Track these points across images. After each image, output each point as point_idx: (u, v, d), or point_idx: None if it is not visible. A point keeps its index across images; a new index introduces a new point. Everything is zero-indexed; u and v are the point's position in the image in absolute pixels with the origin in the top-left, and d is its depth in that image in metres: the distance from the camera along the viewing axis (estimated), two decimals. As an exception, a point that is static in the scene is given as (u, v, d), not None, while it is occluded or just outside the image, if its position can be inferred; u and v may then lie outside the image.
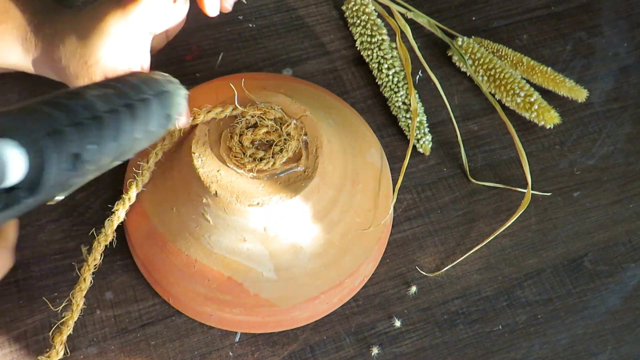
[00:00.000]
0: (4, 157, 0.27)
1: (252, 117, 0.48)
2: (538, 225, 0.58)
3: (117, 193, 0.55)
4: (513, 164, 0.60)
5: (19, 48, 0.46)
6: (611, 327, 0.54)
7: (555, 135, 0.62)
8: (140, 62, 0.45)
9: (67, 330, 0.47)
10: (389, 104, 0.61)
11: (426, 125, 0.59)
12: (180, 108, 0.40)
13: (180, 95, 0.40)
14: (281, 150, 0.47)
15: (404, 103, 0.60)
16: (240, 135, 0.48)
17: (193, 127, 0.48)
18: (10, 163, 0.27)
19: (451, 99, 0.62)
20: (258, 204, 0.45)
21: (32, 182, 0.28)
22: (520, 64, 0.62)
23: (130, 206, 0.49)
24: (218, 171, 0.46)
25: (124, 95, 0.35)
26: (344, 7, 0.65)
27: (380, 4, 0.65)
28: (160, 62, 0.53)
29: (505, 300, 0.54)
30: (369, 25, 0.62)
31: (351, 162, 0.51)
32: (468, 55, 0.63)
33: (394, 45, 0.62)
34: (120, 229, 0.54)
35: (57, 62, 0.45)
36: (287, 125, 0.48)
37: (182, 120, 0.45)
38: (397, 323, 0.53)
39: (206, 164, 0.46)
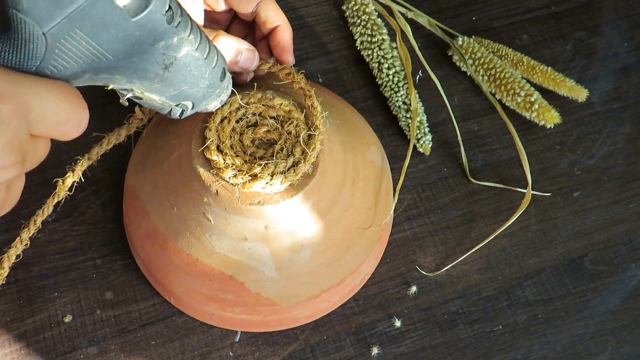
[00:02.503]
0: None
1: (253, 115, 0.48)
2: (538, 225, 0.58)
3: (118, 193, 0.55)
4: (513, 164, 0.60)
5: None
6: (611, 327, 0.54)
7: (556, 135, 0.62)
8: (198, 15, 0.49)
9: None
10: (389, 104, 0.61)
11: (426, 125, 0.59)
12: (230, 76, 0.43)
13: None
14: (282, 149, 0.47)
15: (404, 103, 0.60)
16: (241, 134, 0.48)
17: (193, 127, 0.48)
18: None
19: (451, 99, 0.62)
20: (259, 202, 0.46)
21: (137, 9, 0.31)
22: (521, 63, 0.62)
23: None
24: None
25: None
26: (344, 7, 0.65)
27: (380, 3, 0.65)
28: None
29: (506, 300, 0.54)
30: (369, 25, 0.62)
31: (351, 161, 0.51)
32: (468, 55, 0.63)
33: (394, 45, 0.62)
34: (121, 229, 0.54)
35: None
36: (288, 124, 0.48)
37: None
38: (397, 323, 0.53)
39: (206, 163, 0.46)
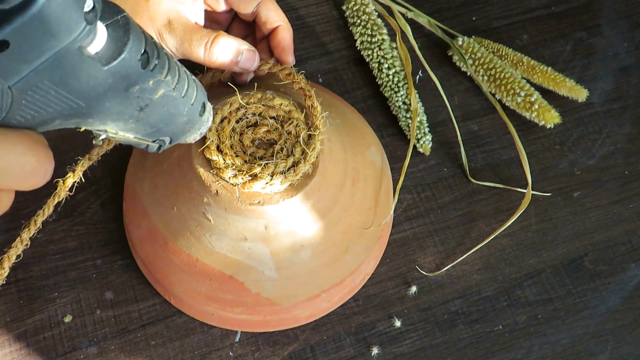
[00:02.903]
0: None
1: (253, 115, 0.48)
2: (538, 225, 0.58)
3: (118, 193, 0.55)
4: (513, 164, 0.60)
5: None
6: (611, 327, 0.54)
7: (556, 135, 0.62)
8: (198, 15, 0.48)
9: None
10: (389, 104, 0.61)
11: (426, 125, 0.59)
12: (210, 108, 0.41)
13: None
14: (282, 149, 0.47)
15: (404, 103, 0.60)
16: (241, 134, 0.48)
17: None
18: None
19: (451, 99, 0.62)
20: (259, 202, 0.46)
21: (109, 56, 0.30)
22: (521, 63, 0.62)
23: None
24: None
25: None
26: (344, 7, 0.65)
27: (380, 3, 0.65)
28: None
29: (505, 300, 0.54)
30: (369, 25, 0.62)
31: (351, 161, 0.51)
32: (468, 55, 0.63)
33: (394, 45, 0.62)
34: (121, 229, 0.54)
35: None
36: (288, 124, 0.48)
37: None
38: (397, 323, 0.53)
39: (206, 163, 0.46)
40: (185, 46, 0.46)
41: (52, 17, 0.25)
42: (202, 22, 0.49)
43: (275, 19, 0.50)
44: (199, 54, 0.46)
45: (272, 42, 0.50)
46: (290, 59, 0.50)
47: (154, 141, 0.38)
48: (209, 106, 0.41)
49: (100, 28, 0.28)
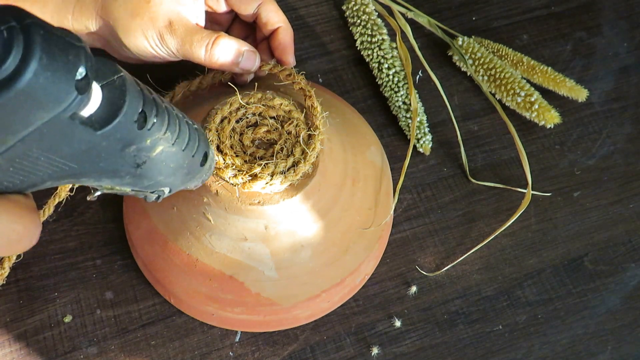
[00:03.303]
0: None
1: (253, 115, 0.48)
2: (538, 225, 0.58)
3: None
4: (513, 164, 0.60)
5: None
6: (611, 327, 0.54)
7: (556, 135, 0.62)
8: (199, 16, 0.48)
9: None
10: (389, 104, 0.61)
11: (426, 125, 0.59)
12: (213, 155, 0.40)
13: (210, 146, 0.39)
14: (282, 149, 0.47)
15: (404, 103, 0.60)
16: (241, 134, 0.48)
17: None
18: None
19: (451, 99, 0.62)
20: (259, 202, 0.46)
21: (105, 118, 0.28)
22: (521, 63, 0.62)
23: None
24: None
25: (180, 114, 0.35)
26: (344, 7, 0.65)
27: (380, 3, 0.65)
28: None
29: (505, 300, 0.54)
30: (369, 25, 0.62)
31: (351, 161, 0.51)
32: (468, 55, 0.63)
33: (394, 45, 0.62)
34: (121, 229, 0.54)
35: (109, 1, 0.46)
36: (288, 124, 0.48)
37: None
38: (397, 323, 0.53)
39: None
40: (186, 47, 0.46)
41: (39, 91, 0.23)
42: (202, 23, 0.49)
43: (275, 20, 0.50)
44: (200, 55, 0.46)
45: (272, 43, 0.50)
46: (290, 59, 0.50)
47: (152, 192, 0.37)
48: (211, 153, 0.39)
49: (95, 89, 0.27)
